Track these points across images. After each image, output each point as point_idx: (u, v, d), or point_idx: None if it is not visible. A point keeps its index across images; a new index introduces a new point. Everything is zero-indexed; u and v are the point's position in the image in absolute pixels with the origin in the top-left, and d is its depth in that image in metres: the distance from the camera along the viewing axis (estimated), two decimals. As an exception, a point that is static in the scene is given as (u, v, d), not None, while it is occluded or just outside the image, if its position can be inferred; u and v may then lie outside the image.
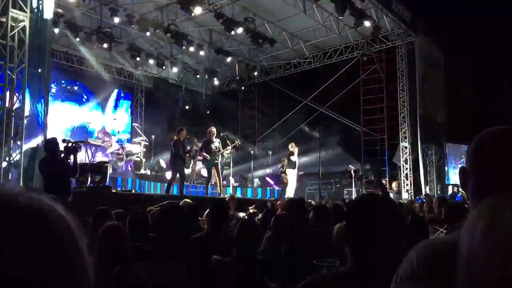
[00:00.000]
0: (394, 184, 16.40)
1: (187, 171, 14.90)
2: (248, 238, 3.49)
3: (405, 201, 12.70)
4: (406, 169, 16.43)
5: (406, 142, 16.53)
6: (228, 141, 12.96)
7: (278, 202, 8.05)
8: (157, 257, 2.78)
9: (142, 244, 3.44)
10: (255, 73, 19.22)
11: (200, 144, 14.99)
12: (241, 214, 7.20)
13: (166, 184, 11.47)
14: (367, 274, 1.58)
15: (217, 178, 12.00)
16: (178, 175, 11.04)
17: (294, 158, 13.27)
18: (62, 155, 6.67)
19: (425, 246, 0.99)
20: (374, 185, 16.71)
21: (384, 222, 1.65)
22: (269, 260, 3.82)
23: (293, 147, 13.38)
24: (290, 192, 13.16)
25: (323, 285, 1.68)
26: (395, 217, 1.71)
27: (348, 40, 17.17)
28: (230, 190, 13.78)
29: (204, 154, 11.78)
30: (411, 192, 16.07)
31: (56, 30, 13.63)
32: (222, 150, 12.07)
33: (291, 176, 13.35)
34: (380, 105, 17.97)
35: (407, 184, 16.32)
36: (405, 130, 16.58)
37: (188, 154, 11.39)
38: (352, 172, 16.18)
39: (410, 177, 16.33)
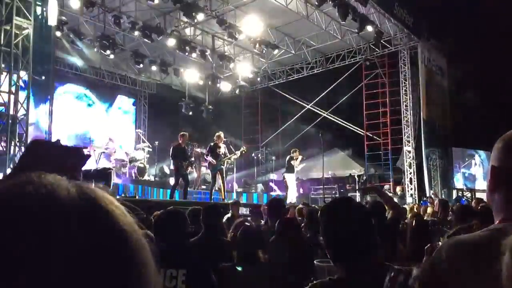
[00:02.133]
0: (398, 189, 16.34)
1: (190, 176, 14.94)
2: (249, 242, 3.49)
3: (410, 205, 12.65)
4: (410, 173, 16.38)
5: (409, 146, 16.49)
6: (231, 147, 12.96)
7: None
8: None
9: None
10: (258, 79, 19.25)
11: (199, 150, 15.06)
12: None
13: (169, 190, 11.50)
14: (353, 277, 1.62)
15: (221, 184, 12.01)
16: (182, 180, 11.06)
17: (294, 163, 13.21)
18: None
19: (455, 245, 1.00)
20: (377, 190, 16.66)
21: (348, 221, 1.73)
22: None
23: (296, 154, 13.34)
24: (291, 197, 13.14)
25: None
26: (360, 216, 1.79)
27: (351, 45, 17.19)
28: (233, 195, 13.77)
29: (210, 159, 11.79)
30: (415, 196, 16.01)
31: (60, 37, 13.70)
32: (228, 156, 12.10)
33: (290, 180, 13.34)
34: (383, 110, 17.95)
35: (411, 189, 16.26)
36: (409, 134, 16.54)
37: (188, 161, 11.34)
38: (355, 176, 16.18)
39: (414, 181, 16.28)
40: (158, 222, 2.99)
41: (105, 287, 0.47)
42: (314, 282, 1.84)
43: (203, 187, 15.08)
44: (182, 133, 11.38)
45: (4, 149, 8.78)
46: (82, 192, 0.51)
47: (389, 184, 16.77)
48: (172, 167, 11.81)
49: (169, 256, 2.78)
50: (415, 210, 9.46)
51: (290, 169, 13.25)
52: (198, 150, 15.20)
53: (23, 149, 8.96)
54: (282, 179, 14.17)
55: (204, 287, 2.74)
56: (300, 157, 13.43)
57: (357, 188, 16.59)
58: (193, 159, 11.50)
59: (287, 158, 13.47)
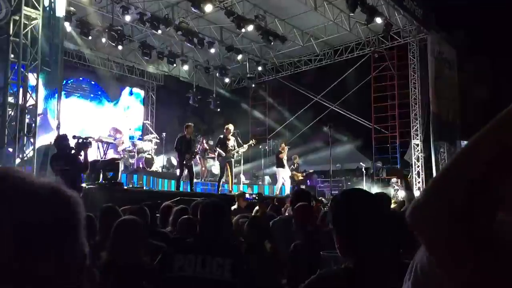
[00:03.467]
0: (405, 182, 16.28)
1: (197, 168, 14.97)
2: (256, 233, 3.50)
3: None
4: (418, 166, 16.31)
5: (418, 139, 16.40)
6: (239, 139, 13.00)
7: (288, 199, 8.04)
8: (200, 250, 2.81)
9: (184, 236, 3.48)
10: (266, 71, 19.19)
11: (206, 143, 15.12)
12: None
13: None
14: (362, 267, 1.62)
15: (229, 175, 12.11)
16: (187, 172, 11.12)
17: (283, 156, 13.64)
18: (73, 151, 6.73)
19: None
20: (385, 182, 16.64)
21: (366, 213, 1.72)
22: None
23: (282, 146, 13.89)
24: (277, 189, 13.49)
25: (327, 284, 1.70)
26: (376, 209, 1.78)
27: (359, 37, 17.07)
28: (238, 187, 13.81)
29: (220, 150, 11.86)
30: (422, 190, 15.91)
31: (68, 28, 13.73)
32: (237, 148, 12.18)
33: (281, 174, 13.66)
34: (392, 103, 17.85)
35: (419, 182, 16.20)
36: (417, 127, 16.45)
37: (192, 152, 11.31)
38: (363, 169, 16.14)
39: (422, 174, 16.21)
40: (204, 212, 3.03)
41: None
42: (323, 270, 1.83)
43: (211, 178, 15.14)
44: (187, 124, 11.42)
45: (13, 140, 8.84)
46: None
47: (396, 177, 16.70)
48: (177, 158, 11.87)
49: (215, 245, 2.86)
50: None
51: (280, 163, 13.59)
52: (205, 143, 15.25)
53: (31, 139, 9.02)
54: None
55: (247, 277, 2.81)
56: (286, 148, 13.81)
57: (383, 168, 16.82)
58: (197, 150, 11.51)
59: (276, 153, 13.67)
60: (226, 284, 2.72)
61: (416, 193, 15.69)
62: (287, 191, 13.32)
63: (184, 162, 11.05)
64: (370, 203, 1.78)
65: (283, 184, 13.73)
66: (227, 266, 2.73)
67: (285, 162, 13.67)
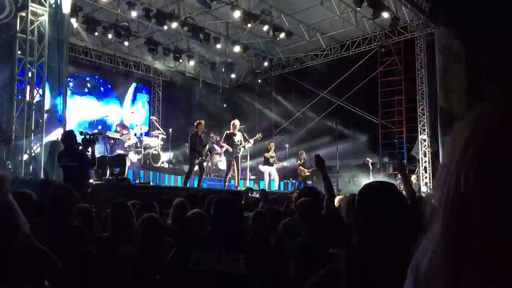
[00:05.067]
0: (413, 177, 16.19)
1: (205, 164, 15.00)
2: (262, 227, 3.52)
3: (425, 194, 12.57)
4: (425, 162, 16.23)
5: (425, 135, 16.32)
6: (245, 134, 13.02)
7: (293, 194, 8.03)
8: (215, 245, 2.84)
9: (199, 231, 3.54)
10: (272, 66, 19.15)
11: (218, 138, 15.15)
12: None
13: (184, 177, 11.56)
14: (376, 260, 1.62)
15: (236, 171, 12.14)
16: (197, 168, 11.12)
17: (268, 155, 13.97)
18: (80, 147, 6.76)
19: None
20: (392, 177, 16.56)
21: (390, 207, 1.76)
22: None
23: (270, 145, 14.29)
24: (265, 186, 13.65)
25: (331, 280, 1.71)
26: (400, 204, 1.85)
27: (366, 32, 16.97)
28: (245, 183, 13.85)
29: (227, 146, 11.88)
30: (429, 185, 15.87)
31: (75, 25, 13.76)
32: (243, 143, 12.21)
33: (265, 170, 14.03)
34: (399, 97, 17.76)
35: (425, 177, 16.13)
36: (424, 122, 16.36)
37: (204, 148, 11.34)
38: (370, 165, 16.08)
39: (429, 170, 16.14)
40: (218, 208, 3.08)
41: None
42: (330, 265, 1.82)
43: (217, 174, 15.16)
44: (198, 121, 11.40)
45: (21, 136, 8.89)
46: None
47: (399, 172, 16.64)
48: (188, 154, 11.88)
49: (229, 240, 2.92)
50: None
51: (266, 161, 13.98)
52: (214, 139, 15.31)
53: (38, 135, 9.06)
54: (297, 168, 14.84)
55: (261, 271, 2.89)
56: (273, 148, 14.16)
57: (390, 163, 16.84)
58: (208, 146, 11.56)
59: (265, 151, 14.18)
60: (241, 277, 2.77)
61: (423, 188, 15.66)
62: (276, 186, 13.88)
63: (199, 160, 11.01)
64: (394, 197, 1.82)
65: (273, 179, 14.03)
66: (242, 260, 2.79)
67: (271, 160, 13.96)
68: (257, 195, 9.19)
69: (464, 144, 0.63)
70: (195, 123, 11.36)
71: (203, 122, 11.46)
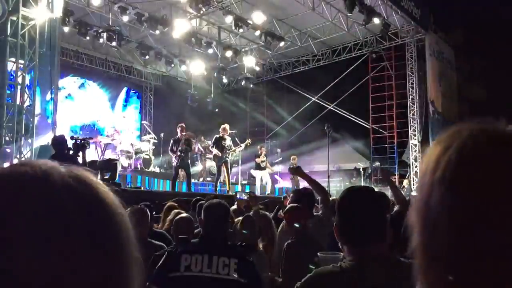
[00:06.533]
0: (405, 182, 16.30)
1: (197, 168, 14.95)
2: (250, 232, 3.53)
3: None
4: (416, 166, 16.33)
5: (415, 139, 16.43)
6: (237, 139, 12.99)
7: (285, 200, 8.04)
8: (205, 250, 2.84)
9: (188, 236, 3.53)
10: (264, 71, 19.19)
11: (207, 142, 15.08)
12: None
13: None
14: (363, 266, 1.64)
15: (226, 176, 12.04)
16: (184, 172, 11.09)
17: (258, 159, 14.08)
18: (71, 151, 6.73)
19: None
20: (384, 183, 16.63)
21: (368, 209, 1.80)
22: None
23: (261, 150, 14.34)
24: (257, 190, 13.56)
25: (323, 283, 1.72)
26: (379, 205, 1.88)
27: (357, 37, 17.09)
28: (238, 187, 13.84)
29: (216, 151, 11.77)
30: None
31: (66, 29, 13.70)
32: (233, 148, 12.14)
33: (256, 175, 14.18)
34: (389, 103, 17.87)
35: (416, 182, 16.20)
36: (415, 127, 16.47)
37: (180, 151, 11.09)
38: (361, 169, 16.15)
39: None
40: (209, 213, 3.07)
41: (95, 254, 0.52)
42: (319, 268, 1.84)
43: (208, 179, 15.11)
44: (179, 125, 11.36)
45: (11, 140, 8.83)
46: (71, 172, 0.58)
47: (395, 178, 16.72)
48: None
49: (220, 245, 2.93)
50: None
51: (256, 165, 14.13)
52: (204, 142, 15.21)
53: (29, 140, 9.00)
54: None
55: (253, 277, 2.88)
56: (263, 153, 14.23)
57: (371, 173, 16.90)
58: (184, 147, 11.18)
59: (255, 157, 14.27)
60: (232, 282, 2.77)
61: (413, 193, 15.72)
62: (268, 190, 14.01)
63: (178, 161, 11.00)
64: (372, 200, 1.85)
65: (265, 184, 14.16)
66: (233, 266, 2.79)
67: (262, 164, 14.07)
68: (246, 197, 9.18)
69: (435, 163, 0.65)
70: (178, 127, 11.27)
71: (183, 125, 11.37)
